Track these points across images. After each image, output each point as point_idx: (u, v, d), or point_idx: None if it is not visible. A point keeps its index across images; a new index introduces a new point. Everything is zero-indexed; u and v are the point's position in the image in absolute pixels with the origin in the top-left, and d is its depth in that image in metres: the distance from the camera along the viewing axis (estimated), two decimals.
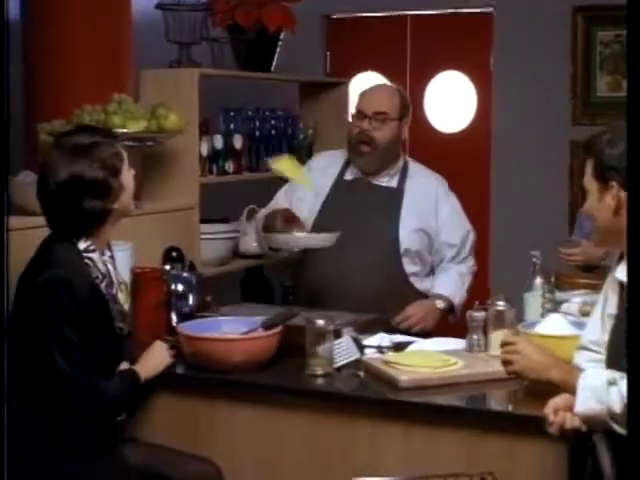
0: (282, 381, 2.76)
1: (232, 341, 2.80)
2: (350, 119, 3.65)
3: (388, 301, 3.38)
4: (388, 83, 3.94)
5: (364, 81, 5.32)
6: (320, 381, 2.74)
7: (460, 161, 5.46)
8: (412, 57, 5.65)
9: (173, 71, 3.88)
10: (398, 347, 2.96)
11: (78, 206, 2.57)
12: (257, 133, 4.27)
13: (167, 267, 3.27)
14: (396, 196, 3.52)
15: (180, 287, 3.03)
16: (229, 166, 4.07)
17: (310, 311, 3.08)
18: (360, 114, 3.50)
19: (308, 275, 3.56)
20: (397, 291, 3.45)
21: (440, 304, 3.43)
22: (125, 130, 3.37)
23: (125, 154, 2.70)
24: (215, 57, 4.12)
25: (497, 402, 2.67)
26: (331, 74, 5.73)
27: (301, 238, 3.29)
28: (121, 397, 2.64)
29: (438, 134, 5.64)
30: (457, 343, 3.00)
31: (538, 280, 3.19)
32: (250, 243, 4.25)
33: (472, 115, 5.55)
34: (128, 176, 2.69)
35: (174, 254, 3.33)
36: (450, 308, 3.49)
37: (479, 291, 3.65)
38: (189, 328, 2.88)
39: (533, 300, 3.16)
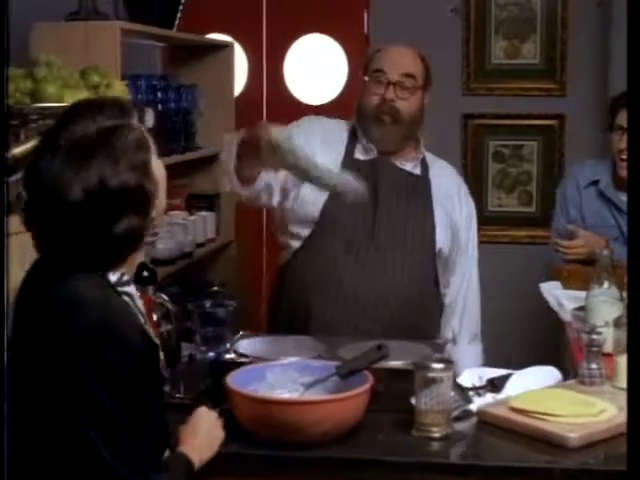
0: (393, 451, 1.99)
1: (320, 404, 1.97)
2: (365, 80, 2.78)
3: (417, 312, 2.70)
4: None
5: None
6: (441, 446, 2.01)
7: None
8: (269, 16, 4.86)
9: (82, 25, 2.91)
10: (493, 385, 2.29)
11: (104, 231, 1.68)
12: (159, 107, 3.38)
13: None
14: (424, 185, 2.79)
15: (210, 329, 2.14)
16: None
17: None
18: (381, 77, 2.71)
19: (300, 280, 2.73)
20: (425, 300, 2.76)
21: None
22: (61, 104, 2.41)
23: (148, 135, 1.81)
24: (117, 10, 3.18)
25: None
26: None
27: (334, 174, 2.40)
28: None
29: (301, 106, 4.90)
30: (552, 373, 2.37)
31: (606, 283, 2.63)
32: (157, 246, 3.38)
33: (342, 85, 4.88)
34: (159, 166, 1.81)
35: (145, 273, 2.41)
36: None
37: None
38: (238, 383, 2.03)
39: (605, 308, 2.59)
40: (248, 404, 1.98)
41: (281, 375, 2.13)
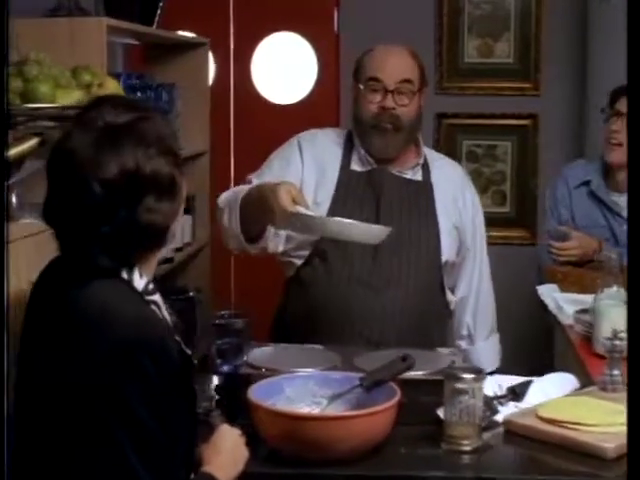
0: (423, 466, 1.90)
1: (352, 419, 1.87)
2: (360, 87, 2.68)
3: (426, 323, 2.61)
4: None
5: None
6: (472, 460, 1.92)
7: None
8: (237, 13, 4.74)
9: (66, 22, 2.77)
10: (515, 393, 2.21)
11: (132, 215, 1.60)
12: None
13: None
14: (426, 192, 2.70)
15: (227, 341, 2.03)
16: None
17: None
18: (377, 85, 2.61)
19: (305, 296, 2.64)
20: (434, 309, 2.68)
21: None
22: (55, 105, 2.29)
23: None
24: (97, 6, 3.05)
25: None
26: None
27: (354, 226, 2.28)
28: None
29: (269, 106, 4.80)
30: (569, 379, 2.31)
31: (614, 286, 2.56)
32: None
33: (312, 84, 4.78)
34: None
35: None
36: None
37: None
38: (257, 398, 1.93)
39: (615, 312, 2.53)
40: (275, 420, 1.87)
41: (300, 388, 2.03)
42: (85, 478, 1.55)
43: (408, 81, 2.62)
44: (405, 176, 2.69)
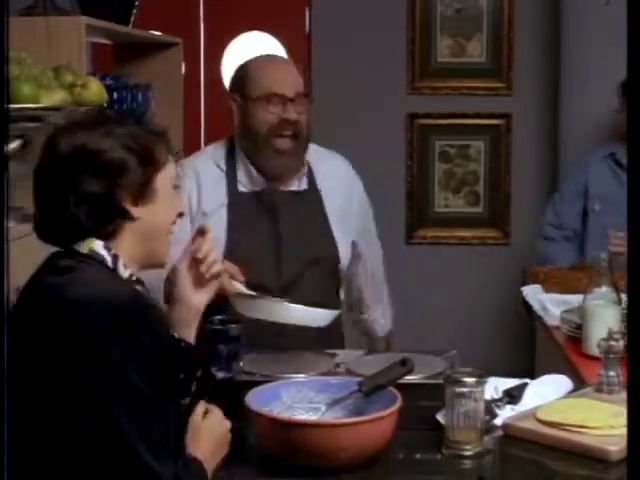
0: (426, 471, 1.87)
1: (352, 426, 1.83)
2: (252, 101, 2.52)
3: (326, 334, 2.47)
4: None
5: None
6: (474, 465, 1.90)
7: None
8: (207, 12, 4.70)
9: (43, 21, 2.70)
10: (511, 396, 2.19)
11: (73, 190, 1.65)
12: (115, 107, 3.19)
13: None
14: (316, 201, 2.59)
15: (224, 348, 1.98)
16: None
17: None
18: (276, 98, 2.48)
19: None
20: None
21: None
22: (38, 105, 2.23)
23: (174, 166, 1.79)
24: (72, 5, 2.98)
25: None
26: None
27: (298, 312, 2.17)
28: None
29: None
30: (563, 381, 2.29)
31: (604, 287, 2.55)
32: None
33: None
34: (169, 191, 1.75)
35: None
36: None
37: None
38: (257, 404, 1.89)
39: (606, 312, 2.52)
40: (269, 425, 1.83)
41: (297, 394, 1.99)
42: (79, 444, 1.54)
43: (302, 94, 2.53)
44: (292, 189, 2.57)
